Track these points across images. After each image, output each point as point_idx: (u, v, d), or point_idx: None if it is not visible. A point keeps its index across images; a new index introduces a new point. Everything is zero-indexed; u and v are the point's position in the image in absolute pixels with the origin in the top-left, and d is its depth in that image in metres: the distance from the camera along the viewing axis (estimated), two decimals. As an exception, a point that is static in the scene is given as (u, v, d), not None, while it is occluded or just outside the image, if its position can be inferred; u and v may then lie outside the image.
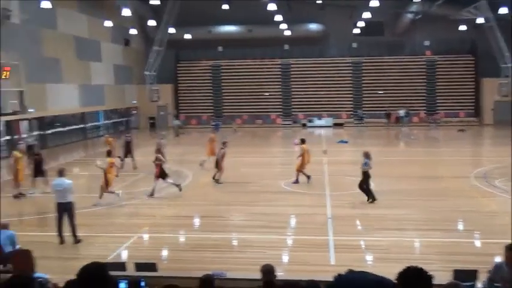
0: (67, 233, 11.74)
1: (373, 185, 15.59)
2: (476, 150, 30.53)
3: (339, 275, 3.20)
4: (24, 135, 30.40)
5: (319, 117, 45.78)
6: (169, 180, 17.25)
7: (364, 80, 47.00)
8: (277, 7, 32.63)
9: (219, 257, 10.58)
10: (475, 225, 12.83)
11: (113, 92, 41.86)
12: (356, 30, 43.22)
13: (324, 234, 12.16)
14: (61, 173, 12.32)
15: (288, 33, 42.55)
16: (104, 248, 11.37)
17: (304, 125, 45.06)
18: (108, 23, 36.90)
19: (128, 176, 20.67)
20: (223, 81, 48.38)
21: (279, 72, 47.99)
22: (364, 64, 46.94)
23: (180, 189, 17.03)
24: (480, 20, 37.52)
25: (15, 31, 24.35)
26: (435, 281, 3.08)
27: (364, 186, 15.32)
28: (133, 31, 42.15)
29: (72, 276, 5.63)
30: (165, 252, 11.34)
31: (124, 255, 10.97)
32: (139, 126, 47.01)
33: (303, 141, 19.43)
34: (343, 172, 20.60)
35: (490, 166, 21.58)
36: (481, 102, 44.40)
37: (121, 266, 8.41)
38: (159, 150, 20.81)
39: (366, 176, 15.31)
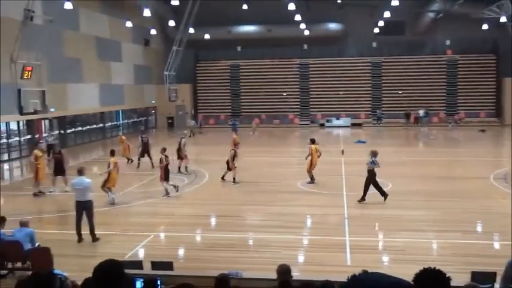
0: (85, 231, 11.89)
1: (382, 185, 15.46)
2: (496, 151, 30.06)
3: (353, 275, 3.18)
4: (45, 134, 30.90)
5: (337, 117, 45.55)
6: (170, 183, 17.18)
7: (383, 79, 46.64)
8: (296, 7, 32.56)
9: (235, 257, 10.61)
10: (493, 227, 12.64)
11: (133, 92, 42.25)
12: (376, 30, 42.89)
13: (340, 234, 12.11)
14: (81, 172, 12.48)
15: (306, 32, 42.44)
16: (121, 246, 11.49)
17: (322, 125, 44.89)
18: (129, 24, 37.28)
19: (145, 176, 20.85)
20: (241, 81, 48.47)
21: (298, 72, 47.89)
22: (383, 64, 46.58)
23: (177, 190, 17.08)
24: (503, 19, 36.91)
25: (38, 32, 24.73)
26: (453, 283, 3.04)
27: (372, 184, 15.23)
28: (153, 31, 42.48)
29: (90, 274, 5.71)
30: (181, 251, 11.42)
31: (141, 254, 11.07)
32: (158, 125, 47.39)
33: (312, 141, 19.35)
34: (360, 172, 20.38)
35: (510, 167, 21.22)
36: (502, 102, 43.68)
37: (138, 264, 8.49)
38: (180, 149, 21.06)
39: (371, 175, 15.25)
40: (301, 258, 10.83)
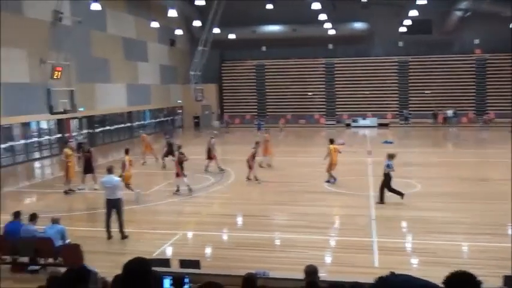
0: (115, 228, 12.07)
1: (399, 187, 15.27)
2: (528, 152, 29.33)
3: (381, 277, 3.14)
4: (74, 133, 31.48)
5: (364, 117, 45.18)
6: (186, 182, 17.31)
7: (410, 79, 46.09)
8: (322, 6, 32.40)
9: (261, 256, 10.63)
10: (526, 230, 12.37)
11: (159, 92, 42.69)
12: (402, 29, 42.37)
13: (367, 235, 12.02)
14: (110, 170, 12.68)
15: (332, 32, 42.20)
16: (149, 244, 11.62)
17: (348, 125, 44.58)
18: (155, 24, 37.69)
19: (172, 175, 20.99)
20: (267, 80, 48.50)
21: (323, 72, 47.68)
22: (410, 63, 46.01)
23: (177, 192, 17.16)
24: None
25: (67, 32, 25.22)
26: (483, 287, 3.00)
27: (386, 187, 15.18)
28: (179, 31, 42.83)
29: (120, 271, 5.80)
30: (208, 250, 11.50)
31: (169, 252, 11.18)
32: (184, 125, 47.78)
33: (331, 141, 19.26)
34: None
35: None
36: (534, 102, 42.68)
37: (166, 262, 8.59)
38: (209, 149, 21.23)
39: (387, 178, 15.16)
40: (328, 259, 10.78)
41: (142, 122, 41.50)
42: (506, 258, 10.26)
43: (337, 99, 47.43)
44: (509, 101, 43.42)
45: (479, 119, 42.66)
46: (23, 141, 27.14)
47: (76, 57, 28.69)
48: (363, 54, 46.52)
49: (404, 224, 13.30)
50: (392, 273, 3.32)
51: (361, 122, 44.49)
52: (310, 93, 47.47)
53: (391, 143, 31.26)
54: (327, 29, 41.40)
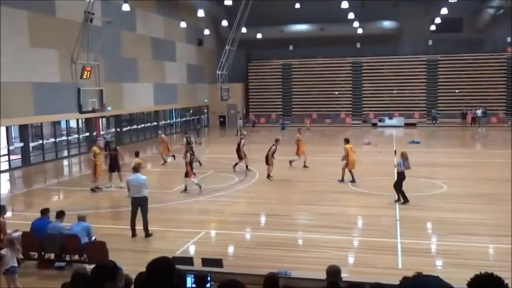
0: (139, 226, 12.23)
1: (437, 187, 15.03)
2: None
3: (405, 277, 3.07)
4: (103, 132, 32.01)
5: (391, 116, 44.68)
6: (196, 181, 17.48)
7: (439, 78, 45.37)
8: (350, 5, 32.15)
9: (283, 256, 10.63)
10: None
11: (186, 91, 43.04)
12: (432, 27, 41.71)
13: (391, 236, 11.89)
14: (136, 169, 12.83)
15: (360, 31, 41.83)
16: (173, 242, 11.74)
17: (374, 125, 44.15)
18: (183, 24, 38.02)
19: (198, 173, 21.14)
20: (293, 80, 48.42)
21: (350, 71, 47.34)
22: (440, 62, 45.28)
23: (184, 191, 17.29)
24: None
25: (97, 33, 25.61)
26: (510, 290, 2.93)
27: (398, 186, 15.10)
28: (206, 31, 43.11)
29: (143, 269, 5.89)
30: (231, 249, 11.55)
31: (192, 250, 11.28)
32: (210, 124, 48.07)
33: (347, 141, 19.16)
34: (413, 174, 19.97)
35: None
36: None
37: (189, 260, 8.65)
38: (239, 149, 21.36)
39: (400, 177, 15.09)
40: (350, 260, 10.71)
41: (169, 121, 41.92)
42: (534, 261, 10.02)
43: (364, 99, 47.04)
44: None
45: (510, 118, 41.67)
46: (52, 140, 27.73)
47: (105, 57, 29.14)
48: (391, 53, 45.99)
49: (428, 225, 13.11)
50: (419, 274, 3.24)
51: (388, 121, 44.01)
52: (336, 93, 47.18)
53: (418, 143, 30.85)
54: (355, 28, 41.04)
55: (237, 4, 35.51)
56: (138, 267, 5.28)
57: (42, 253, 10.33)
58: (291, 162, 22.02)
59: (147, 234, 12.16)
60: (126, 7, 27.75)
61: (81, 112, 26.12)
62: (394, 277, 4.56)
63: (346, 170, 18.58)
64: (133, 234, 12.18)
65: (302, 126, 39.92)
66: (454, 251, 10.83)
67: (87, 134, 30.39)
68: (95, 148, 18.83)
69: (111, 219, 14.55)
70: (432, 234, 12.60)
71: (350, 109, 47.35)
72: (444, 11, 33.44)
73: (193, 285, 6.59)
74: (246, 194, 17.39)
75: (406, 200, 15.03)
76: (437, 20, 39.20)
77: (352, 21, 38.34)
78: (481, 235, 11.91)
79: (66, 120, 28.73)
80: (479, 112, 42.08)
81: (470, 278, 2.91)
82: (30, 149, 26.01)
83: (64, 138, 28.91)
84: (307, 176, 20.41)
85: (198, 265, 8.44)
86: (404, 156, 15.34)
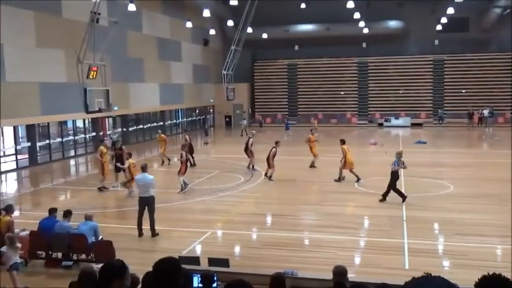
0: (146, 226, 12.26)
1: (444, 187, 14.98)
2: None
3: (413, 278, 3.05)
4: (109, 132, 32.11)
5: (397, 116, 44.58)
6: (185, 179, 17.64)
7: (446, 78, 45.20)
8: (355, 5, 32.10)
9: (290, 256, 10.63)
10: None
11: (191, 91, 43.11)
12: (438, 27, 41.56)
13: (397, 236, 11.87)
14: (144, 168, 12.87)
15: (366, 31, 41.76)
16: (179, 242, 11.77)
17: (380, 125, 44.06)
18: (189, 24, 38.09)
19: (203, 173, 21.21)
20: (299, 80, 48.39)
21: (356, 71, 47.26)
22: (446, 62, 45.12)
23: (183, 190, 17.28)
24: None
25: (103, 33, 25.66)
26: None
27: (393, 186, 15.21)
28: (212, 31, 43.16)
29: (149, 268, 5.90)
30: (237, 249, 11.56)
31: (198, 250, 11.30)
32: (215, 124, 48.12)
33: (343, 141, 19.28)
34: (420, 174, 19.98)
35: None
36: None
37: (195, 260, 8.68)
38: (247, 148, 21.39)
39: (393, 176, 15.19)
40: (357, 260, 10.70)
41: (174, 121, 42.00)
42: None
43: (370, 99, 46.95)
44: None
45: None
46: (59, 140, 27.85)
47: (112, 57, 29.22)
48: (397, 52, 45.86)
49: (435, 225, 13.07)
50: (427, 274, 3.21)
51: (394, 121, 43.89)
52: (342, 93, 47.12)
53: (424, 143, 30.77)
54: (360, 28, 40.99)
55: (242, 4, 35.53)
56: (144, 267, 5.30)
57: (50, 252, 10.38)
58: (312, 164, 21.87)
59: (154, 234, 12.20)
60: (132, 7, 27.84)
61: (87, 112, 26.18)
62: (401, 278, 4.55)
63: (347, 171, 18.69)
64: (140, 234, 12.21)
65: (309, 126, 39.89)
66: (461, 251, 10.80)
67: (94, 133, 30.51)
68: (101, 148, 18.89)
69: (118, 219, 14.60)
70: (439, 234, 12.57)
71: (356, 109, 47.27)
72: (450, 10, 33.33)
73: (200, 285, 6.61)
74: (252, 194, 17.41)
75: (384, 199, 15.24)
76: (444, 20, 39.06)
77: (357, 21, 38.30)
78: (488, 236, 11.87)
79: (73, 120, 28.86)
80: (486, 112, 41.87)
81: (478, 279, 2.90)
82: (37, 148, 26.15)
83: (71, 138, 29.04)
84: (313, 176, 20.40)
85: (204, 265, 8.46)
86: (399, 156, 15.39)
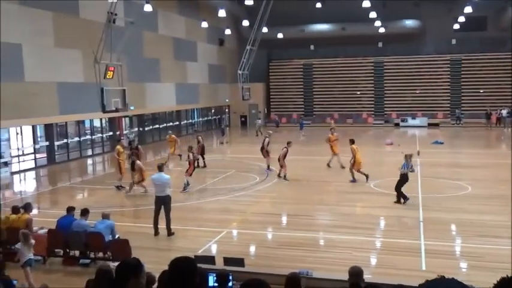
0: (162, 225, 12.33)
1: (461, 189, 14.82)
2: None
3: (427, 280, 3.04)
4: (126, 131, 32.37)
5: (413, 116, 44.21)
6: (189, 180, 17.78)
7: (463, 77, 44.68)
8: (372, 4, 31.91)
9: (305, 256, 10.61)
10: None
11: (207, 91, 43.25)
12: (456, 26, 41.09)
13: (414, 238, 11.77)
14: (160, 168, 12.98)
15: (382, 30, 41.48)
16: (195, 241, 11.82)
17: (396, 125, 43.74)
18: (204, 24, 38.21)
19: (218, 173, 21.26)
20: (314, 80, 48.25)
21: (372, 71, 46.97)
22: (463, 61, 44.62)
23: (185, 190, 17.35)
24: None
25: (120, 33, 25.88)
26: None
27: (398, 187, 15.17)
28: (227, 31, 43.24)
29: (165, 267, 5.93)
30: (252, 248, 11.57)
31: (213, 249, 11.34)
32: (231, 124, 48.21)
33: (352, 141, 19.26)
34: (437, 174, 19.81)
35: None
36: None
37: (211, 259, 8.72)
38: (263, 148, 21.43)
39: (402, 178, 15.13)
40: (373, 261, 10.64)
41: (190, 121, 42.18)
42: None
43: (386, 99, 46.62)
44: None
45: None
46: (76, 139, 28.15)
47: (128, 57, 29.45)
48: (414, 52, 45.47)
49: (452, 226, 12.96)
50: (441, 277, 3.19)
51: (411, 121, 43.53)
52: (358, 93, 46.88)
53: (441, 143, 30.48)
54: (376, 27, 40.72)
55: (258, 4, 35.55)
56: (160, 266, 5.34)
57: (67, 250, 10.51)
58: (342, 166, 21.75)
59: (170, 233, 12.27)
60: (148, 8, 28.02)
61: (104, 111, 26.44)
62: (417, 279, 4.51)
63: (355, 171, 18.70)
64: (156, 233, 12.30)
65: (324, 126, 39.76)
66: (479, 253, 10.68)
67: (111, 133, 30.78)
68: (118, 147, 19.08)
69: (135, 217, 14.71)
70: (456, 236, 12.45)
71: (372, 109, 46.97)
72: (468, 9, 32.96)
73: (215, 284, 6.64)
74: (267, 194, 17.41)
75: (405, 200, 15.12)
76: (461, 19, 38.63)
77: (373, 20, 38.05)
78: (506, 238, 11.68)
79: (90, 120, 29.15)
80: (504, 112, 41.30)
81: (496, 281, 2.86)
82: (55, 147, 26.47)
83: (88, 137, 29.35)
84: (328, 176, 20.32)
85: (220, 264, 8.49)
86: (407, 158, 15.34)
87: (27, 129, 25.27)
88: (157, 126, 36.33)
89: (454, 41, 44.41)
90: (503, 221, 13.18)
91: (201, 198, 16.78)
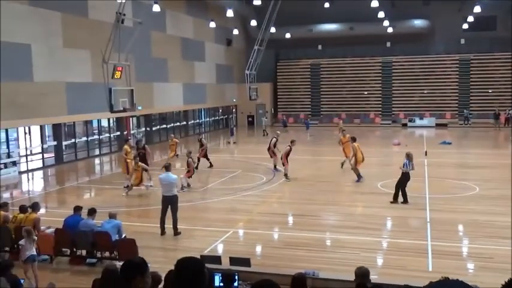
0: (168, 225, 12.36)
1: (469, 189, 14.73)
2: None
3: (430, 282, 3.02)
4: (133, 131, 32.48)
5: (421, 116, 44.02)
6: (189, 181, 17.93)
7: (472, 78, 44.41)
8: (380, 4, 31.81)
9: (311, 256, 10.59)
10: None
11: (214, 91, 43.29)
12: (465, 26, 40.85)
13: (421, 238, 11.71)
14: (167, 168, 13.02)
15: (390, 30, 41.34)
16: (201, 241, 11.83)
17: (404, 125, 43.56)
18: (212, 24, 38.26)
19: (226, 173, 21.28)
20: (322, 79, 48.16)
21: (380, 71, 46.81)
22: (472, 61, 44.35)
23: (182, 190, 17.32)
24: None
25: (128, 33, 25.98)
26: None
27: (400, 186, 15.12)
28: (235, 31, 43.28)
29: (171, 266, 5.93)
30: (258, 248, 11.57)
31: (220, 249, 11.34)
32: (238, 124, 48.24)
33: (353, 139, 19.25)
34: (444, 174, 19.71)
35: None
36: None
37: (217, 259, 8.72)
38: (269, 148, 21.44)
39: (403, 177, 15.11)
40: (379, 261, 10.60)
41: (197, 121, 42.25)
42: None
43: (394, 99, 46.45)
44: None
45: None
46: (84, 139, 28.28)
47: (136, 57, 29.55)
48: (422, 52, 45.26)
49: (460, 227, 12.88)
50: (445, 278, 3.18)
51: (418, 121, 43.34)
52: (366, 93, 46.73)
53: (449, 143, 30.32)
54: (385, 27, 40.59)
55: (265, 4, 35.57)
56: (167, 265, 5.35)
57: (74, 249, 10.56)
58: (342, 165, 21.75)
59: (176, 233, 12.29)
60: (156, 8, 28.11)
61: (112, 111, 26.55)
62: (424, 280, 4.49)
63: (356, 167, 18.76)
64: (162, 233, 12.32)
65: (331, 126, 39.70)
66: (487, 254, 10.60)
67: (118, 133, 30.89)
68: (126, 147, 19.15)
69: (141, 217, 14.74)
70: (464, 236, 12.38)
71: (380, 109, 46.82)
72: (477, 9, 32.78)
73: (221, 284, 6.65)
74: (274, 194, 17.41)
75: (405, 200, 15.07)
76: (470, 19, 38.41)
77: (382, 20, 37.94)
78: (514, 238, 11.62)
79: (98, 120, 29.26)
80: (513, 112, 41.03)
81: (505, 282, 2.84)
82: (63, 147, 26.60)
83: (96, 137, 29.46)
84: (335, 176, 20.28)
85: (226, 264, 8.49)
86: (409, 157, 15.32)
87: (36, 129, 25.42)
88: (164, 126, 36.42)
89: (463, 41, 44.16)
90: (510, 221, 13.09)
91: (208, 198, 16.81)
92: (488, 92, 43.63)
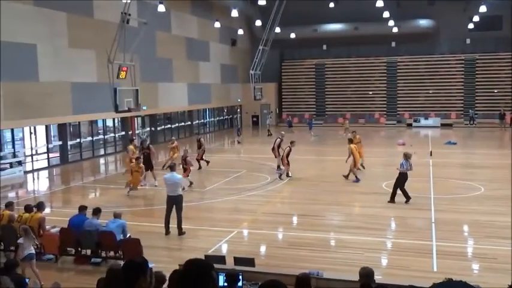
0: (173, 225, 12.38)
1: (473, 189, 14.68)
2: None
3: (434, 284, 3.02)
4: (138, 131, 32.54)
5: (426, 116, 43.89)
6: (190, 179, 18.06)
7: (477, 78, 44.24)
8: (385, 3, 31.73)
9: (315, 256, 10.59)
10: None
11: (219, 91, 43.31)
12: (470, 25, 40.69)
13: (426, 238, 11.69)
14: (172, 168, 13.07)
15: (395, 30, 41.24)
16: (205, 240, 11.85)
17: (409, 125, 43.44)
18: (217, 24, 38.29)
19: (230, 173, 21.29)
20: (326, 79, 48.11)
21: (385, 71, 46.72)
22: (478, 61, 44.18)
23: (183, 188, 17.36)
24: None
25: (133, 34, 26.05)
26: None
27: (399, 186, 15.16)
28: (240, 31, 43.29)
29: (176, 266, 5.96)
30: (263, 248, 11.58)
31: (224, 249, 11.35)
32: (243, 124, 48.24)
33: (350, 141, 19.60)
34: (449, 175, 19.65)
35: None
36: None
37: (221, 259, 8.74)
38: (273, 148, 21.47)
39: (401, 177, 15.14)
40: (384, 261, 10.59)
41: (202, 121, 42.30)
42: None
43: (399, 98, 46.33)
44: None
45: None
46: (89, 139, 28.37)
47: (141, 58, 29.62)
48: (427, 52, 45.12)
49: (465, 227, 12.85)
50: (449, 280, 3.18)
51: (423, 121, 43.20)
52: (370, 93, 46.64)
53: (454, 143, 30.22)
54: (390, 27, 40.47)
55: (270, 4, 35.57)
56: (171, 265, 5.37)
57: (79, 249, 10.60)
58: (362, 166, 21.66)
59: (181, 233, 12.31)
60: (161, 8, 28.18)
61: (117, 111, 26.62)
62: (429, 280, 4.48)
63: (351, 167, 18.94)
64: (167, 232, 12.35)
65: (336, 126, 39.62)
66: (491, 255, 10.57)
67: (123, 133, 30.96)
68: (131, 147, 19.23)
69: (146, 217, 14.76)
70: (469, 237, 12.35)
71: (384, 109, 46.72)
72: (483, 8, 32.66)
73: (225, 284, 6.65)
74: (278, 194, 17.42)
75: (407, 199, 15.09)
76: (476, 18, 38.27)
77: (387, 20, 37.85)
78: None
79: (103, 120, 29.35)
80: (518, 113, 40.85)
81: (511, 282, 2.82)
82: (69, 147, 26.69)
83: (101, 137, 29.54)
84: (339, 176, 20.23)
85: (230, 264, 8.50)
86: (406, 157, 15.37)
87: (41, 129, 25.52)
88: (169, 126, 36.47)
89: (468, 41, 44.00)
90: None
91: (212, 198, 16.82)
92: (493, 92, 43.45)
